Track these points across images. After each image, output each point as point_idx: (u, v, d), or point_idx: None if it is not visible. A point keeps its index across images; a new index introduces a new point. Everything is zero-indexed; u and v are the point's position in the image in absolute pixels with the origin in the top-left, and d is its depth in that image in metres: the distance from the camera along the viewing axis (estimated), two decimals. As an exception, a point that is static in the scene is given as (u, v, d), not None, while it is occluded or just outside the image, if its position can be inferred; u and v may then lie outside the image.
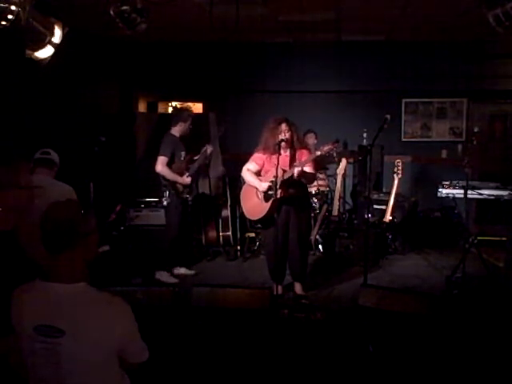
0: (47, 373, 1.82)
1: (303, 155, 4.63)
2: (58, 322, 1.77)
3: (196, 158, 5.43)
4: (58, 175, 3.63)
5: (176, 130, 5.27)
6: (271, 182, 4.50)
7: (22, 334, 1.84)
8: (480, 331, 3.70)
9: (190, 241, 6.23)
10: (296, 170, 4.34)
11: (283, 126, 4.52)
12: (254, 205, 4.75)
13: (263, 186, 4.59)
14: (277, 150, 4.35)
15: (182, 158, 5.28)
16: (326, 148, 4.33)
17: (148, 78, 7.71)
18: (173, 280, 5.24)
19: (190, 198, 5.41)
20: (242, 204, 4.91)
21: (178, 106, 8.29)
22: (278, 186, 4.38)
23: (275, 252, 4.55)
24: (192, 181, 5.37)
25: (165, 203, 5.22)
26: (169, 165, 5.15)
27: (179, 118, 5.36)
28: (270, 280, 4.83)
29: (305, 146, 4.81)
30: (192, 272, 5.50)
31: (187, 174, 5.26)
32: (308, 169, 4.56)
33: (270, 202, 4.51)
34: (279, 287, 4.54)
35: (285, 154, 4.59)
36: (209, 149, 5.45)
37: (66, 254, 1.82)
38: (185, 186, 5.27)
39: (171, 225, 5.32)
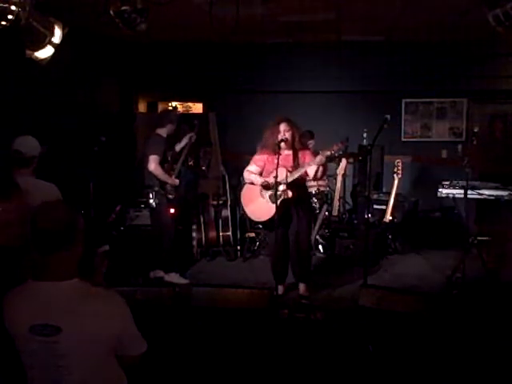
0: (46, 372, 1.81)
1: (306, 156, 4.62)
2: (53, 319, 1.77)
3: (178, 148, 5.39)
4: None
5: (163, 131, 5.20)
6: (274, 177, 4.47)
7: (17, 336, 1.84)
8: (480, 331, 3.69)
9: (189, 241, 6.21)
10: (319, 158, 4.35)
11: (283, 126, 4.51)
12: (259, 206, 4.70)
13: (270, 180, 4.52)
14: (276, 150, 4.34)
15: (170, 158, 5.25)
16: (335, 147, 4.37)
17: (148, 78, 7.70)
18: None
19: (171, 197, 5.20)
20: (244, 206, 4.86)
21: (177, 106, 8.27)
22: (284, 187, 4.38)
23: (280, 252, 4.57)
24: (180, 181, 5.27)
25: (153, 204, 5.07)
26: (161, 164, 5.07)
27: (167, 119, 5.26)
28: (270, 280, 4.83)
29: (306, 147, 4.80)
30: (186, 281, 5.22)
31: (174, 175, 5.16)
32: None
33: (279, 202, 4.34)
34: (281, 287, 4.53)
35: (286, 153, 4.57)
36: (193, 137, 5.41)
37: (58, 254, 1.80)
38: (172, 186, 5.15)
39: (166, 225, 5.20)
